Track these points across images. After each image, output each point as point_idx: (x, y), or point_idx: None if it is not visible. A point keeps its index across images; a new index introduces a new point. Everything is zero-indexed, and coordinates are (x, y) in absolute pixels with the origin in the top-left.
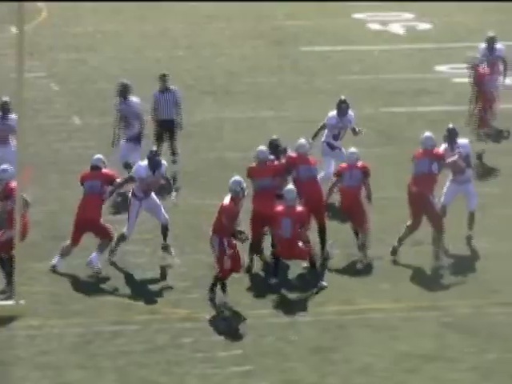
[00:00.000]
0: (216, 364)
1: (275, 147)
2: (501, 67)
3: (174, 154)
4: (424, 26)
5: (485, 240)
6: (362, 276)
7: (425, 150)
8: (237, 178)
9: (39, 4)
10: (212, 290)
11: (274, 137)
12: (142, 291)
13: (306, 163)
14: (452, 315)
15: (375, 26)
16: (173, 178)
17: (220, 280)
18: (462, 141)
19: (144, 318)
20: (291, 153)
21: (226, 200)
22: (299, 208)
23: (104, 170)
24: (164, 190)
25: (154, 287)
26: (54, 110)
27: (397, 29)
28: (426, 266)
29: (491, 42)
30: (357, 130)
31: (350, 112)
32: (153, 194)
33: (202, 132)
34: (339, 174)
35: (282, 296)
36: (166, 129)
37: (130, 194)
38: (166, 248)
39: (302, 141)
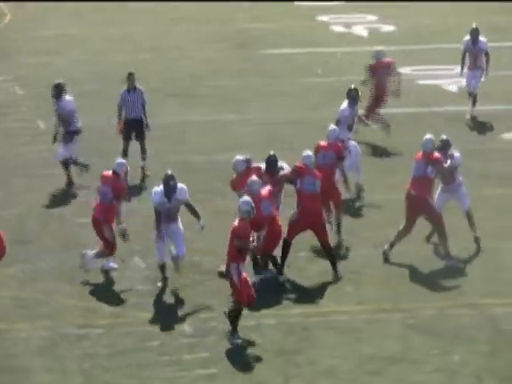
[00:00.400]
0: (181, 367)
1: (273, 164)
2: (484, 61)
3: (143, 152)
4: (387, 28)
5: (450, 242)
6: (326, 279)
7: (423, 153)
8: (245, 198)
9: (3, 7)
10: (234, 326)
11: (271, 153)
12: (108, 294)
13: (312, 175)
14: (416, 317)
15: (339, 28)
16: (142, 172)
17: (240, 310)
18: (455, 154)
19: (109, 322)
20: (297, 163)
21: (236, 222)
22: (264, 190)
23: (117, 182)
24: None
25: (119, 290)
26: (19, 113)
27: (360, 31)
28: (389, 269)
29: (475, 33)
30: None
31: None
32: (179, 223)
33: (166, 135)
34: (315, 152)
35: None
36: (134, 128)
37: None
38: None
39: (308, 152)
